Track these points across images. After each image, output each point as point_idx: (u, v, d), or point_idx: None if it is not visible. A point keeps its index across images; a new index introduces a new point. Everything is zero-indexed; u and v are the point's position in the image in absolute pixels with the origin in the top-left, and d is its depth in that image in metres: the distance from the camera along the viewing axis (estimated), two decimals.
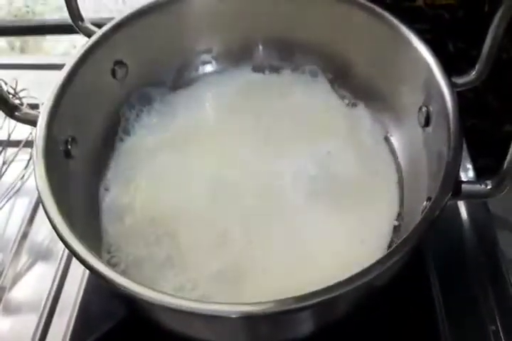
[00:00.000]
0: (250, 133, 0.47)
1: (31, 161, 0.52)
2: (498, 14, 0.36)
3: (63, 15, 0.69)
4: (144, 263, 0.40)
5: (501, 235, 0.46)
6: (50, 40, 0.79)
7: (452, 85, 0.37)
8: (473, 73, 0.40)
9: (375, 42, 0.45)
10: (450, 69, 0.59)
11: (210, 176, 0.44)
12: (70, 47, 0.78)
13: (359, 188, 0.43)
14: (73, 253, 0.31)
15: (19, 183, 0.51)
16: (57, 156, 0.37)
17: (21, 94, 0.54)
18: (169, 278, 0.39)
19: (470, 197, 0.32)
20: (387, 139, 0.46)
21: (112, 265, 0.40)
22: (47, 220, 0.34)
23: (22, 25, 0.70)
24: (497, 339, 0.40)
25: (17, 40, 0.79)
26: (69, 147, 0.39)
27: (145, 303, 0.30)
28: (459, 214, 0.47)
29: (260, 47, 0.51)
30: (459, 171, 0.32)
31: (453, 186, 0.32)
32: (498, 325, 0.41)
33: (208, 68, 0.52)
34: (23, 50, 0.79)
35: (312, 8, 0.47)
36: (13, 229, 0.49)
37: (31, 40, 0.79)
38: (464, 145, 0.51)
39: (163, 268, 0.39)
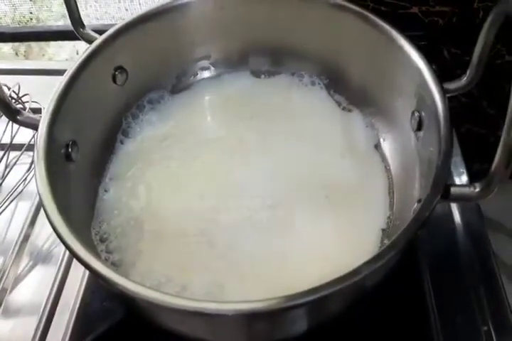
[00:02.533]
0: (245, 136, 0.48)
1: (33, 165, 0.53)
2: (488, 21, 0.36)
3: (67, 22, 0.71)
4: (136, 258, 0.41)
5: (494, 237, 0.47)
6: (54, 46, 0.80)
7: (443, 91, 0.38)
8: (465, 79, 0.40)
9: (369, 48, 0.45)
10: (445, 74, 0.60)
11: (204, 178, 0.45)
12: (73, 53, 0.79)
13: (350, 191, 0.44)
14: (74, 255, 0.32)
15: (21, 186, 0.52)
16: (58, 159, 0.38)
17: (24, 99, 0.55)
18: (157, 273, 0.40)
19: (459, 200, 0.33)
20: (379, 143, 0.47)
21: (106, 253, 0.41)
22: (48, 223, 0.35)
23: (26, 31, 0.71)
24: (489, 340, 0.41)
25: (21, 46, 0.80)
26: (70, 150, 0.39)
27: (144, 303, 0.31)
28: (452, 217, 0.48)
29: (257, 53, 0.52)
30: (448, 174, 0.33)
31: (442, 188, 0.32)
32: (490, 325, 0.42)
33: (207, 73, 0.53)
34: (27, 56, 0.80)
35: (308, 15, 0.47)
36: (15, 232, 0.50)
37: (35, 45, 0.80)
38: (458, 150, 0.53)
39: (153, 263, 0.41)
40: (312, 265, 0.39)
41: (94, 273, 0.31)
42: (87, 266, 0.32)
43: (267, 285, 0.38)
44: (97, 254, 0.37)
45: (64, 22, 0.73)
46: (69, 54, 0.79)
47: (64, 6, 0.53)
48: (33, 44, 0.80)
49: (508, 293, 0.44)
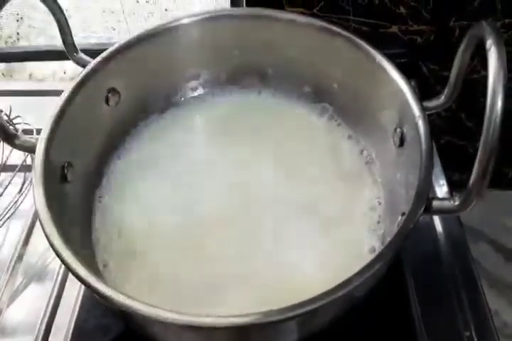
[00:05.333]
0: (235, 153, 0.49)
1: (25, 185, 0.54)
2: (463, 44, 0.38)
3: (54, 42, 0.71)
4: (133, 277, 0.42)
5: (475, 245, 0.49)
6: (37, 63, 0.80)
7: (423, 109, 0.39)
8: (443, 97, 0.41)
9: (353, 68, 0.47)
10: (425, 89, 0.63)
11: (196, 195, 0.46)
12: (56, 69, 0.80)
13: (339, 206, 0.45)
14: (74, 274, 0.33)
15: (14, 207, 0.52)
16: (54, 181, 0.39)
17: (15, 121, 0.56)
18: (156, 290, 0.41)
19: (440, 213, 0.34)
20: (366, 158, 0.48)
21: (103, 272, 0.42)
22: (41, 242, 0.36)
23: (13, 51, 0.72)
24: None
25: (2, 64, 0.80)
26: (65, 172, 0.40)
27: (139, 317, 0.32)
28: (434, 227, 0.50)
29: (246, 73, 0.53)
30: (429, 189, 0.35)
31: (424, 203, 0.34)
32: (472, 330, 0.43)
33: (196, 93, 0.54)
34: (8, 72, 0.80)
35: (295, 37, 0.49)
36: (9, 251, 0.50)
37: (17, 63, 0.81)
38: (439, 162, 0.55)
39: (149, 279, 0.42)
40: (304, 280, 0.40)
41: (95, 292, 0.32)
42: (88, 285, 0.32)
43: (260, 297, 0.39)
44: (96, 272, 0.38)
45: (51, 42, 0.73)
46: (52, 70, 0.80)
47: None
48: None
49: (489, 298, 0.46)
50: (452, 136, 0.76)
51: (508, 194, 0.74)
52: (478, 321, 0.44)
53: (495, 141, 0.29)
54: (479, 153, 0.31)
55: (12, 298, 0.48)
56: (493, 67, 0.29)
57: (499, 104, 0.29)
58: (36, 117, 0.57)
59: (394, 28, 0.63)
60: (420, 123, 0.38)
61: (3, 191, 0.53)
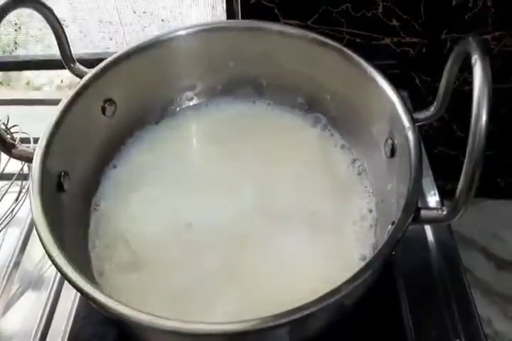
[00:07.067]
0: (230, 162, 0.50)
1: (22, 193, 0.54)
2: (450, 59, 0.39)
3: (52, 51, 0.72)
4: (127, 285, 0.42)
5: (467, 254, 0.49)
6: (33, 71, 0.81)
7: (413, 120, 0.40)
8: (432, 109, 0.42)
9: (345, 79, 0.47)
10: (417, 100, 0.64)
11: (192, 204, 0.47)
12: (52, 78, 0.80)
13: (331, 215, 0.46)
14: (69, 281, 0.34)
15: (11, 215, 0.53)
16: (51, 190, 0.40)
17: (12, 130, 0.57)
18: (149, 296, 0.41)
19: (428, 222, 0.35)
20: (358, 168, 0.49)
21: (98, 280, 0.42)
22: (37, 249, 0.36)
23: (10, 60, 0.73)
24: None
25: None
26: (62, 181, 0.41)
27: (133, 324, 0.32)
28: (425, 236, 0.50)
29: (240, 84, 0.54)
30: (418, 199, 0.35)
31: (413, 212, 0.34)
32: (462, 337, 0.44)
33: (192, 103, 0.55)
34: (6, 81, 0.81)
35: (289, 49, 0.50)
36: (5, 259, 0.51)
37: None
38: (430, 172, 0.56)
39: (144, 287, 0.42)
40: (294, 289, 0.40)
41: (90, 300, 0.33)
42: (83, 293, 0.33)
43: (251, 305, 0.40)
44: (91, 280, 0.38)
45: (48, 51, 0.74)
46: (49, 78, 0.81)
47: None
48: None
49: (480, 307, 0.46)
50: (445, 147, 0.77)
51: (500, 203, 0.75)
52: (468, 329, 0.44)
53: (480, 154, 0.30)
54: (465, 164, 0.32)
55: (8, 306, 0.48)
56: (478, 81, 0.30)
57: (484, 117, 0.30)
58: (34, 126, 0.57)
59: (387, 40, 0.64)
60: (410, 135, 0.39)
61: (0, 199, 0.53)
